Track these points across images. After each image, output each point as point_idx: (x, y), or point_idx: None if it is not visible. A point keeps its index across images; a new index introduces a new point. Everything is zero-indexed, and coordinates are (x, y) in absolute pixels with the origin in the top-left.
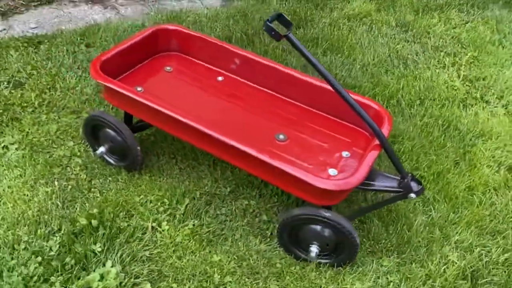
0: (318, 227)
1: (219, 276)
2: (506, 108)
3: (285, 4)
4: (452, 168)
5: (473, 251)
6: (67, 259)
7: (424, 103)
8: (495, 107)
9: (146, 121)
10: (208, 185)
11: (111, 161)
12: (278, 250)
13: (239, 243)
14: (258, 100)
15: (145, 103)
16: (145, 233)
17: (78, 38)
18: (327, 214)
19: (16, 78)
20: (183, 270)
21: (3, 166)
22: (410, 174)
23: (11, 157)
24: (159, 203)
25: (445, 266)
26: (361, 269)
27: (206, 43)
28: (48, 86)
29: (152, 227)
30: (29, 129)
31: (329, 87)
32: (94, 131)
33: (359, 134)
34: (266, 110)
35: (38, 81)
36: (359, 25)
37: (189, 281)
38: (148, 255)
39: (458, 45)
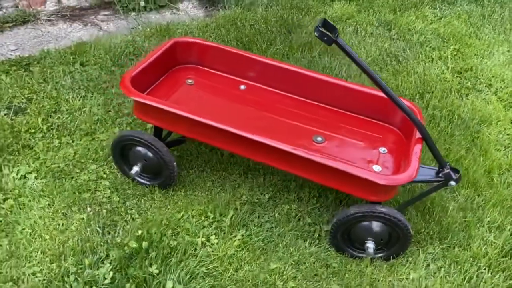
0: (374, 223)
1: (281, 283)
2: (497, 95)
3: (270, 10)
4: (466, 155)
5: (505, 229)
6: (127, 285)
7: (423, 96)
8: (487, 94)
9: (183, 135)
10: (245, 194)
11: (143, 181)
12: (329, 251)
13: (290, 248)
14: (285, 105)
15: (192, 118)
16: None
17: (71, 58)
18: (383, 209)
19: (15, 104)
20: (244, 282)
21: (27, 197)
22: (448, 163)
23: (34, 187)
24: (202, 217)
25: (485, 247)
26: (411, 259)
27: (225, 53)
28: (53, 109)
29: (202, 242)
30: (44, 156)
31: (354, 87)
32: (123, 151)
33: (388, 130)
34: (296, 115)
35: (41, 105)
36: (345, 27)
37: None
38: (205, 271)
39: (440, 39)
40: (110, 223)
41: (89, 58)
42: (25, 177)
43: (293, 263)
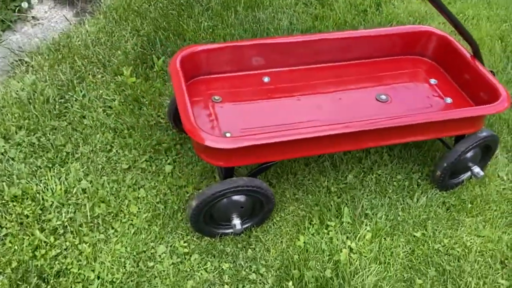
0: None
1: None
2: None
3: None
4: None
5: None
6: None
7: None
8: None
9: (270, 161)
10: (333, 183)
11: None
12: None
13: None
14: (318, 78)
15: (293, 138)
16: None
17: None
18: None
19: None
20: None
21: None
22: None
23: None
24: (323, 226)
25: None
26: None
27: (234, 50)
28: None
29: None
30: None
31: (373, 33)
32: (210, 211)
33: (420, 62)
34: (337, 83)
35: None
36: None
37: None
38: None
39: None
40: None
41: None
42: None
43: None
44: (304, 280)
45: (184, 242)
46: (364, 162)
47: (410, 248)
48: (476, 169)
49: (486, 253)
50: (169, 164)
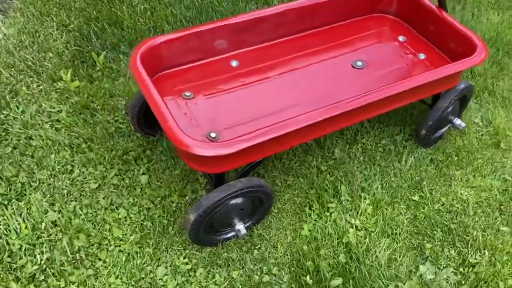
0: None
1: None
2: None
3: None
4: None
5: None
6: None
7: None
8: None
9: (266, 156)
10: (321, 162)
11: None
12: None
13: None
14: (287, 53)
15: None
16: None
17: None
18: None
19: None
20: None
21: None
22: None
23: None
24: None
25: None
26: None
27: (195, 37)
28: None
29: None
30: None
31: None
32: (211, 220)
33: (384, 20)
34: (307, 56)
35: None
36: None
37: None
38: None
39: None
40: None
41: None
42: None
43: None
44: (321, 271)
45: (184, 257)
46: (347, 133)
47: (412, 214)
48: (458, 121)
49: (482, 203)
50: (143, 174)
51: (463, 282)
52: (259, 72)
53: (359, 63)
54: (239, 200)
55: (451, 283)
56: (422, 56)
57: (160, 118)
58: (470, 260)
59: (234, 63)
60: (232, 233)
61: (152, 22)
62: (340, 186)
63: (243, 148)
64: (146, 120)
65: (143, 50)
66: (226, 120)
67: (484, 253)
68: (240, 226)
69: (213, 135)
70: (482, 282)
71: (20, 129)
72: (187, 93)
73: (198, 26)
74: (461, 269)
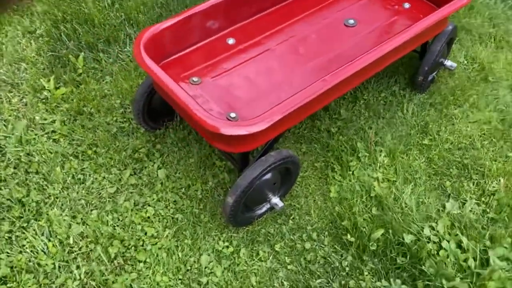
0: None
1: None
2: None
3: None
4: None
5: None
6: None
7: None
8: None
9: (289, 127)
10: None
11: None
12: None
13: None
14: (280, 21)
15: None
16: None
17: None
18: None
19: None
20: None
21: None
22: None
23: None
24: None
25: None
26: None
27: (191, 20)
28: None
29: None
30: None
31: None
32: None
33: None
34: (299, 21)
35: None
36: None
37: None
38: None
39: None
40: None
41: None
42: None
43: None
44: (358, 227)
45: (224, 241)
46: (347, 93)
47: (425, 157)
48: (448, 62)
49: (486, 135)
50: (159, 168)
51: (488, 210)
52: (257, 45)
53: (351, 21)
54: (270, 175)
55: (477, 213)
56: (407, 5)
57: (185, 105)
58: (489, 189)
59: (230, 41)
60: (266, 208)
61: (123, 14)
62: (356, 144)
63: (277, 121)
64: (150, 114)
65: (145, 40)
66: (239, 98)
67: (499, 180)
68: (276, 200)
69: (232, 115)
70: (506, 206)
71: (16, 146)
72: (195, 79)
73: (191, 8)
74: (482, 199)
